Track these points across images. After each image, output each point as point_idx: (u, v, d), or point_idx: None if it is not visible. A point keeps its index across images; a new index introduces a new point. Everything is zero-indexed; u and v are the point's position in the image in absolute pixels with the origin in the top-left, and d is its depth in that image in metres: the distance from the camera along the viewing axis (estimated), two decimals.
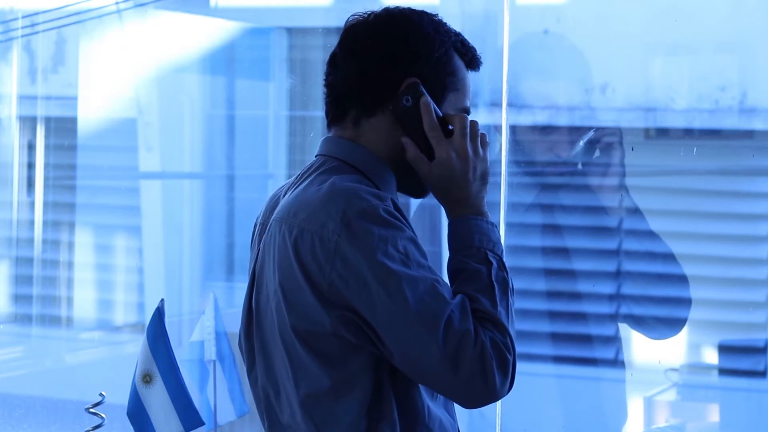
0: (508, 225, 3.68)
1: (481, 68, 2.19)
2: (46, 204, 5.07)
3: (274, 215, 2.11)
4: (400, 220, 2.02)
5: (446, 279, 2.13)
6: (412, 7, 2.16)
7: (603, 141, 3.49)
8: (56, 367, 5.19)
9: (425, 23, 2.13)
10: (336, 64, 2.17)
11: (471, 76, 2.17)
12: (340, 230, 1.98)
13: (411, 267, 2.00)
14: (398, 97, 2.09)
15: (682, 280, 3.53)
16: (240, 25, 5.13)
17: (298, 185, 2.11)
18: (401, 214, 2.04)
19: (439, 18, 2.16)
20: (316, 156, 2.16)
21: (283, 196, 2.15)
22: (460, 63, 2.14)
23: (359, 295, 1.98)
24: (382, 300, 1.97)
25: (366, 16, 2.16)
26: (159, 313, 2.90)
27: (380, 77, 2.10)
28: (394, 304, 1.97)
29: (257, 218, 2.25)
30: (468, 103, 2.16)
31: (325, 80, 2.19)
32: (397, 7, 2.16)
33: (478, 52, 2.18)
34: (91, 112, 5.10)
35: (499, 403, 3.55)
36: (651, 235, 3.51)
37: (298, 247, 2.01)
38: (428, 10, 2.18)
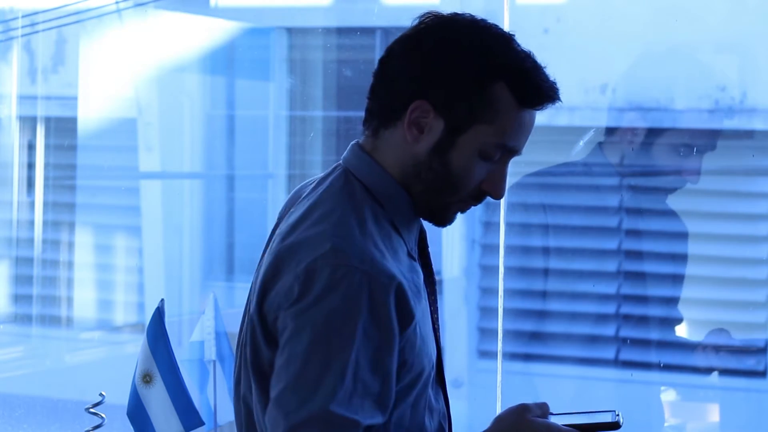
0: (509, 225, 3.69)
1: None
2: (46, 204, 5.07)
3: (276, 232, 2.00)
4: (389, 318, 1.86)
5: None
6: (475, 19, 1.97)
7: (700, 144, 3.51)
8: (56, 367, 5.19)
9: (469, 44, 1.94)
10: (376, 67, 2.02)
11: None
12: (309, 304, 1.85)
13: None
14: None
15: None
16: (240, 25, 5.13)
17: (313, 192, 2.00)
18: (405, 300, 1.88)
19: (504, 40, 1.95)
20: (338, 164, 2.03)
21: (304, 197, 2.03)
22: (505, 96, 1.93)
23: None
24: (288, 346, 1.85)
25: (423, 19, 1.99)
26: (159, 313, 2.90)
27: (393, 90, 1.96)
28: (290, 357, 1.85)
29: (279, 212, 2.12)
30: (510, 142, 1.95)
31: None
32: (457, 15, 1.98)
33: (547, 89, 1.93)
34: (91, 112, 5.10)
35: (498, 403, 3.55)
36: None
37: (267, 287, 1.91)
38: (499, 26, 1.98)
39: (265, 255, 1.99)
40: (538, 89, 1.94)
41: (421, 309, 1.95)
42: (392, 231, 1.97)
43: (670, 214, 3.66)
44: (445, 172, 1.96)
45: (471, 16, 1.98)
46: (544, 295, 3.69)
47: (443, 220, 2.02)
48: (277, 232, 1.99)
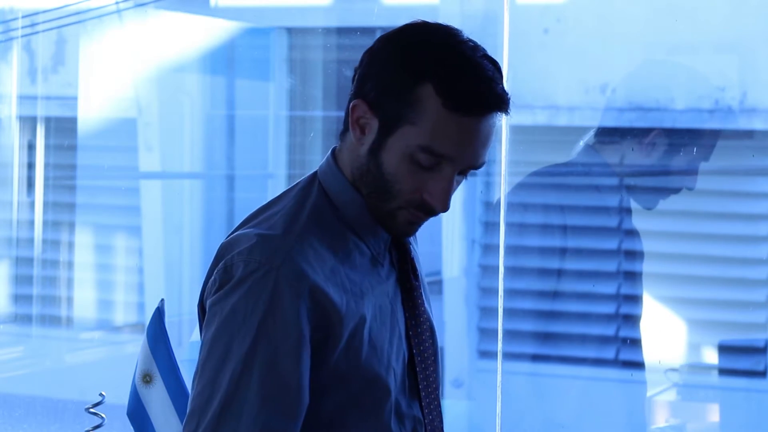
0: (508, 225, 3.69)
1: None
2: (46, 204, 5.07)
3: None
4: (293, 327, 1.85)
5: None
6: (440, 26, 1.93)
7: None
8: (56, 367, 5.19)
9: (407, 45, 1.91)
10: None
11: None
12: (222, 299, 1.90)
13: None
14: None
15: None
16: (240, 25, 5.13)
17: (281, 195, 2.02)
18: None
19: (451, 44, 1.90)
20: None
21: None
22: (431, 98, 1.86)
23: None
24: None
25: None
26: (159, 313, 2.90)
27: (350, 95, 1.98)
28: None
29: None
30: (438, 147, 1.87)
31: None
32: (426, 22, 1.95)
33: (481, 94, 1.85)
34: (91, 112, 5.10)
35: (498, 403, 3.55)
36: None
37: (207, 280, 1.98)
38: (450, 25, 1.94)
39: None
40: (467, 94, 1.86)
41: (367, 315, 1.92)
42: (350, 236, 1.95)
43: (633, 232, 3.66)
44: (379, 174, 1.92)
45: (443, 24, 1.94)
46: (544, 295, 3.69)
47: (393, 228, 1.96)
48: None
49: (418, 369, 2.01)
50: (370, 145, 1.92)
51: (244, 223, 1.98)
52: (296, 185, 2.01)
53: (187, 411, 1.89)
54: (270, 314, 1.86)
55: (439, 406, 2.06)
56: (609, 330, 3.76)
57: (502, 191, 3.68)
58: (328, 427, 1.92)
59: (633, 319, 3.68)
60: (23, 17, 4.99)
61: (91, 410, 3.17)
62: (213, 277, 1.93)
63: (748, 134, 4.03)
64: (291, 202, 1.96)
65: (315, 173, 2.01)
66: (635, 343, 3.65)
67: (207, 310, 1.92)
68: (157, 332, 2.89)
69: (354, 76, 1.98)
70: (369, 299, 1.93)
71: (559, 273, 3.70)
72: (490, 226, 4.07)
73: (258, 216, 1.97)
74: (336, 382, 1.91)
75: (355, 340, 1.90)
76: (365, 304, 1.93)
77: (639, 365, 3.62)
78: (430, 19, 1.98)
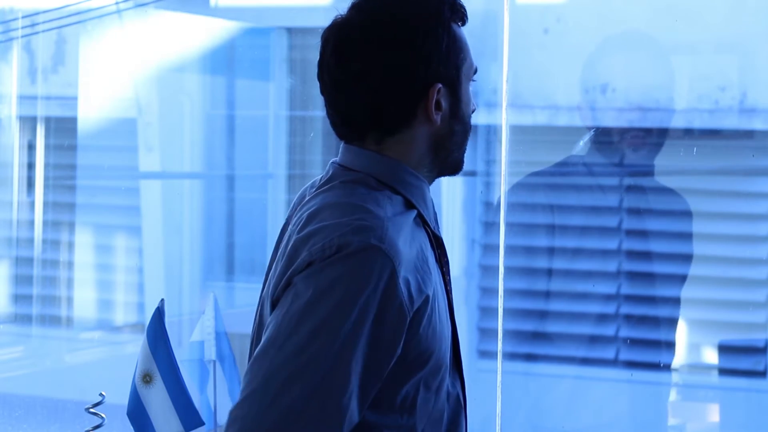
0: (509, 225, 3.69)
1: (481, 67, 2.10)
2: (46, 204, 5.07)
3: (288, 230, 2.00)
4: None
5: None
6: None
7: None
8: (56, 367, 5.19)
9: (421, 16, 1.98)
10: (338, 88, 2.00)
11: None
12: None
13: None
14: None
15: None
16: (240, 25, 5.13)
17: (322, 190, 1.99)
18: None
19: None
20: (338, 165, 2.02)
21: (307, 200, 2.02)
22: (459, 31, 2.02)
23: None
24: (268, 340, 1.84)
25: (351, 26, 2.04)
26: (159, 313, 2.90)
27: (396, 102, 1.97)
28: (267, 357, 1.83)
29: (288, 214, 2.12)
30: (474, 61, 2.04)
31: (328, 99, 2.02)
32: (353, 7, 2.06)
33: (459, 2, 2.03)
34: (91, 112, 5.10)
35: (498, 403, 3.55)
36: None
37: (287, 271, 1.91)
38: None
39: (279, 253, 1.99)
40: (461, 7, 2.03)
41: (432, 288, 1.94)
42: (416, 216, 1.98)
43: (668, 191, 3.67)
44: (463, 124, 2.04)
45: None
46: (544, 295, 3.69)
47: (461, 163, 2.08)
48: (290, 228, 1.99)
49: (459, 345, 2.05)
50: (449, 110, 2.01)
51: (312, 218, 1.93)
52: (339, 180, 1.99)
53: (248, 384, 1.81)
54: (375, 293, 1.84)
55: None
56: (609, 330, 3.76)
57: (502, 191, 3.67)
58: (403, 410, 1.93)
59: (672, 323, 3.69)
60: (23, 17, 4.99)
61: (91, 410, 3.17)
62: (302, 257, 1.87)
63: (748, 134, 4.03)
64: (358, 191, 1.96)
65: (348, 169, 1.99)
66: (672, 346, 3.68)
67: (298, 280, 1.86)
68: (157, 332, 2.89)
69: (363, 94, 1.97)
70: (435, 277, 1.96)
71: (558, 273, 3.70)
72: (490, 226, 4.07)
73: (325, 209, 1.93)
74: (416, 363, 1.92)
75: (432, 319, 1.92)
76: (434, 282, 1.95)
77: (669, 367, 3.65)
78: None
